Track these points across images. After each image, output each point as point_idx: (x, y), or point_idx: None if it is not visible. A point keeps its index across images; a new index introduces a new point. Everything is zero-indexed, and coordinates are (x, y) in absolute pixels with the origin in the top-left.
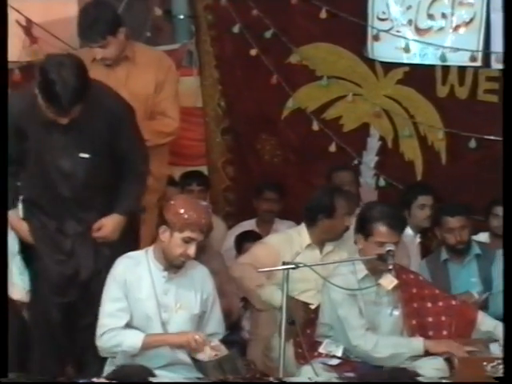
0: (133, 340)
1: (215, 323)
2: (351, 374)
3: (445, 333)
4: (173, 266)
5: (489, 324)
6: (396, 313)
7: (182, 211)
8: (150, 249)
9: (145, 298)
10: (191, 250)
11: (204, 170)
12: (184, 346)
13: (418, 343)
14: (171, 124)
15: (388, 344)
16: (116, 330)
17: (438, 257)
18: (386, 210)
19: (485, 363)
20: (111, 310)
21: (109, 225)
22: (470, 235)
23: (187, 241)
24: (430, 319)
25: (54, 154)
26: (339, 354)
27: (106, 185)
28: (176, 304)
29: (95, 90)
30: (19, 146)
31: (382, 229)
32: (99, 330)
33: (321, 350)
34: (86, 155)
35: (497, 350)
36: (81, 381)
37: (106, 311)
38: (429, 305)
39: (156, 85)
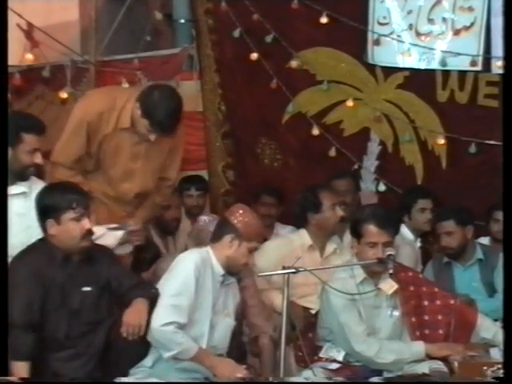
0: (190, 346)
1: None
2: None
3: (441, 332)
4: (231, 273)
5: (488, 330)
6: (396, 313)
7: (254, 222)
8: (209, 250)
9: (204, 298)
10: (250, 257)
11: (204, 174)
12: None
13: (419, 348)
14: None
15: (391, 349)
16: (179, 327)
17: (441, 259)
18: (375, 211)
19: (485, 368)
20: (180, 303)
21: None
22: (460, 242)
23: (252, 250)
24: (427, 317)
25: (64, 291)
26: (340, 358)
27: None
28: (223, 310)
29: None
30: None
31: (371, 228)
32: (162, 320)
33: (321, 354)
34: (89, 288)
35: (497, 354)
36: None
37: (174, 303)
38: (425, 303)
39: None
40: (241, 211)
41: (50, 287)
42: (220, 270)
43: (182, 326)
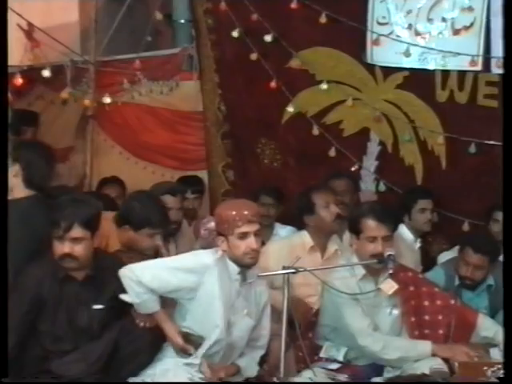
0: (148, 305)
1: (266, 327)
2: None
3: (441, 332)
4: (245, 265)
5: (489, 329)
6: (395, 312)
7: (222, 215)
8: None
9: (223, 295)
10: (251, 243)
11: (204, 174)
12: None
13: (425, 347)
14: None
15: (396, 346)
16: (144, 286)
17: (453, 280)
18: (373, 205)
19: (485, 368)
20: (160, 274)
21: None
22: (484, 276)
23: (242, 237)
24: (427, 317)
25: (69, 309)
26: (340, 358)
27: None
28: (243, 310)
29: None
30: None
31: (370, 223)
32: (134, 267)
33: (321, 354)
34: (100, 306)
35: (497, 354)
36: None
37: (156, 267)
38: (426, 303)
39: None
40: (216, 210)
41: (51, 304)
42: (235, 268)
43: (147, 288)
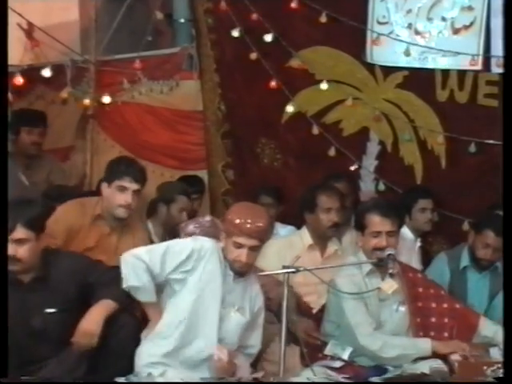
0: (146, 292)
1: (258, 336)
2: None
3: (446, 335)
4: (234, 271)
5: (489, 329)
6: (402, 309)
7: (229, 217)
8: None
9: (215, 287)
10: (243, 255)
11: (204, 174)
12: None
13: (425, 344)
14: None
15: (395, 344)
16: (147, 270)
17: (458, 263)
18: (378, 201)
19: (485, 367)
20: (162, 257)
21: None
22: (499, 254)
23: (237, 246)
24: (433, 319)
25: (22, 315)
26: (345, 357)
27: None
28: (234, 306)
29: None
30: None
31: (374, 218)
32: (135, 251)
33: (326, 352)
34: (53, 310)
35: (497, 354)
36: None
37: (157, 249)
38: (433, 305)
39: None
40: (230, 208)
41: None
42: (227, 264)
43: (150, 272)
